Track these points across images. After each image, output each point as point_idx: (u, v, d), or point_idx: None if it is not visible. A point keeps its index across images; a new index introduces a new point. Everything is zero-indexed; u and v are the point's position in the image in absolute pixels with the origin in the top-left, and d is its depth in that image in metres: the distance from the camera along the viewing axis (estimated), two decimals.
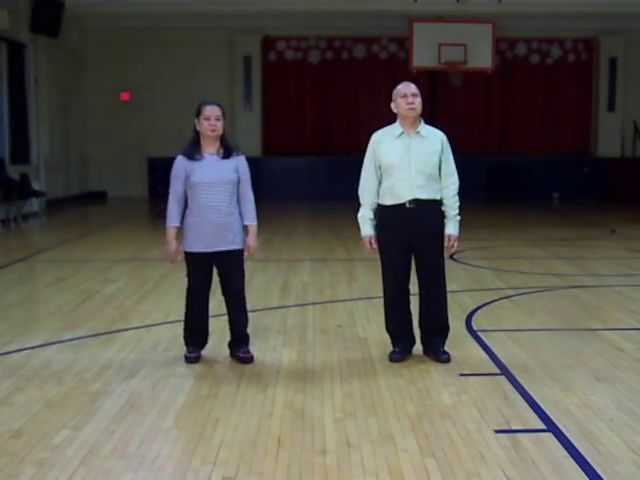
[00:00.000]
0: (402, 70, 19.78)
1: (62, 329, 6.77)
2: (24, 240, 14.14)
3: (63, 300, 8.01)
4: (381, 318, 6.17)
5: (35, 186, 17.24)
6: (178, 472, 3.88)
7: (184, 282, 8.76)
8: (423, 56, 18.96)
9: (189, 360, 5.70)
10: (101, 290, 8.56)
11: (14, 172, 16.42)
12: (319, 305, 7.79)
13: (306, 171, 21.17)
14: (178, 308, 7.54)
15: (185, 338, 5.82)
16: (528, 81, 22.12)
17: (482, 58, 19.11)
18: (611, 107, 21.90)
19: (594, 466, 3.91)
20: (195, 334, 5.78)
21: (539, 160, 21.55)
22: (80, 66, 21.08)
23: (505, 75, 21.56)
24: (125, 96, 21.70)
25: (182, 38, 20.85)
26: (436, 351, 5.76)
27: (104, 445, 4.20)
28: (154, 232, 13.49)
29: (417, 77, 17.09)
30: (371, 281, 8.90)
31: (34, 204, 17.02)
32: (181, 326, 6.83)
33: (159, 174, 21.23)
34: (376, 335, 6.46)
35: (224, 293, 5.77)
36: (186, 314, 5.83)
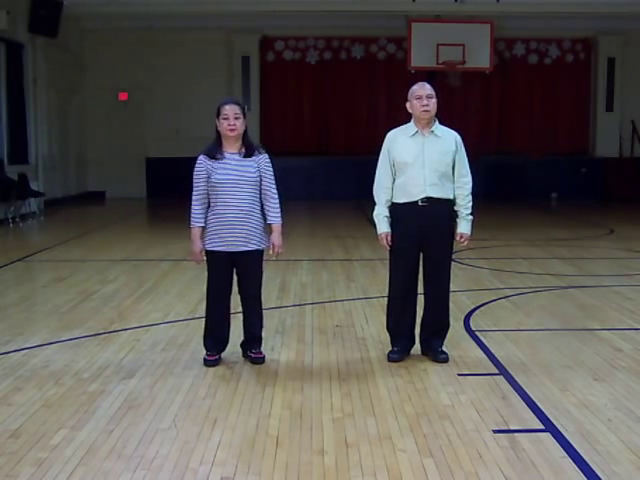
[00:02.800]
0: (400, 70, 19.83)
1: (60, 329, 6.77)
2: (22, 240, 14.13)
3: (61, 300, 8.00)
4: (380, 318, 6.18)
5: (33, 186, 17.23)
6: (176, 472, 3.88)
7: (182, 282, 8.82)
8: (421, 56, 18.95)
9: (207, 363, 5.66)
10: (99, 290, 8.56)
11: (12, 172, 16.39)
12: (317, 305, 7.79)
13: (304, 171, 21.16)
14: (177, 308, 7.57)
15: (204, 340, 5.79)
16: (526, 81, 22.13)
17: (480, 58, 19.11)
18: (609, 107, 21.91)
19: (592, 466, 3.91)
20: (213, 336, 5.74)
21: (537, 160, 21.55)
22: (78, 66, 21.07)
23: (503, 75, 21.59)
24: (123, 96, 21.70)
25: (180, 38, 20.84)
26: (434, 351, 5.77)
27: (102, 445, 4.20)
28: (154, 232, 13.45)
29: (415, 77, 17.09)
30: (369, 281, 8.92)
31: (32, 204, 17.00)
32: (179, 326, 6.86)
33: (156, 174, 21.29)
34: (374, 335, 6.46)
35: (240, 293, 5.76)
36: (205, 315, 5.82)
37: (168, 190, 20.55)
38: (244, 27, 20.83)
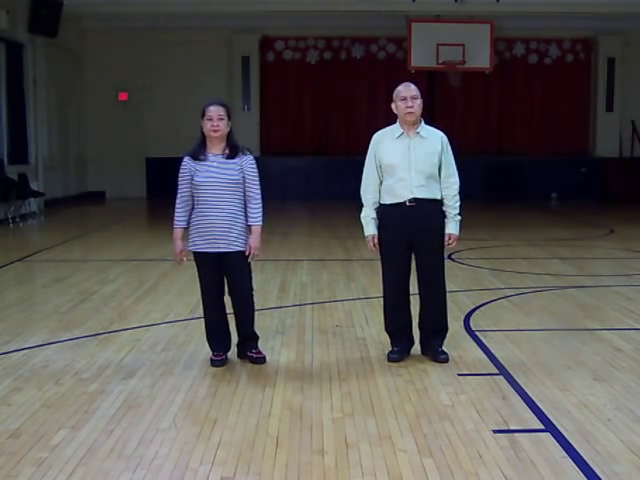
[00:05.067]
0: (400, 70, 19.81)
1: (60, 329, 6.77)
2: (22, 240, 14.13)
3: (61, 300, 8.00)
4: (379, 318, 6.17)
5: (33, 186, 17.23)
6: (176, 472, 3.88)
7: (182, 282, 8.82)
8: (421, 56, 18.96)
9: (214, 363, 5.66)
10: (99, 290, 8.56)
11: (12, 172, 16.40)
12: (317, 305, 7.79)
13: (304, 171, 21.17)
14: (176, 308, 7.58)
15: (207, 341, 5.80)
16: (526, 81, 22.14)
17: (480, 58, 19.11)
18: (609, 107, 21.92)
19: (592, 466, 3.91)
20: (215, 336, 5.76)
21: (537, 160, 21.56)
22: (78, 66, 21.07)
23: (503, 75, 21.62)
24: (123, 96, 21.70)
25: (180, 38, 20.85)
26: (434, 351, 5.77)
27: (102, 445, 4.20)
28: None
29: (415, 77, 17.08)
30: (369, 281, 8.91)
31: (32, 204, 17.01)
32: (179, 326, 6.87)
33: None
34: (374, 335, 6.46)
35: (230, 294, 5.77)
36: (204, 316, 5.83)
37: (168, 190, 20.42)
38: (244, 27, 20.84)
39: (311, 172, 21.19)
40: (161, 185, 21.24)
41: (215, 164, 5.56)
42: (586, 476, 3.81)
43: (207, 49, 21.30)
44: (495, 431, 4.38)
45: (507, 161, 21.51)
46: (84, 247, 12.50)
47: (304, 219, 16.57)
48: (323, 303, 7.87)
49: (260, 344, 5.88)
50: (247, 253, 5.63)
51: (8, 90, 16.75)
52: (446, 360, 5.71)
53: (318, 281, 9.11)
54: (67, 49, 19.87)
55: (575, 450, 4.10)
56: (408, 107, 5.57)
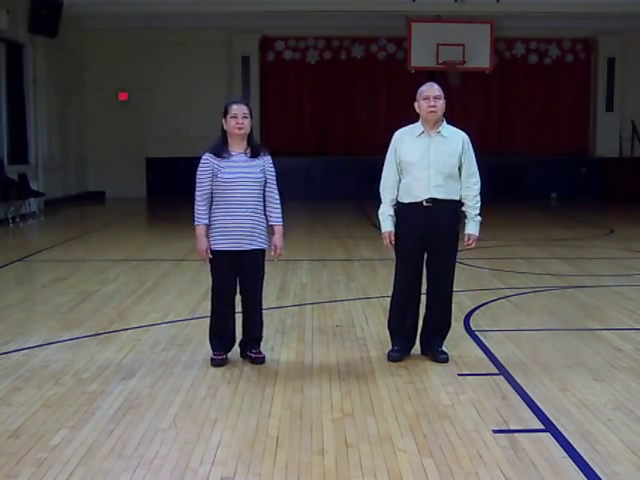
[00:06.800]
0: (400, 70, 19.84)
1: (60, 329, 6.77)
2: (22, 240, 14.12)
3: (61, 300, 8.00)
4: (379, 318, 6.18)
5: (33, 186, 17.23)
6: (176, 472, 3.88)
7: (182, 282, 8.83)
8: (421, 56, 18.96)
9: (214, 363, 5.66)
10: (99, 290, 8.56)
11: (12, 172, 16.40)
12: (317, 305, 7.79)
13: (304, 171, 21.15)
14: (177, 308, 7.57)
15: (210, 339, 5.79)
16: (526, 81, 22.14)
17: (480, 58, 19.12)
18: (609, 107, 21.92)
19: (592, 466, 3.91)
20: (220, 335, 5.74)
21: (537, 160, 21.55)
22: (78, 66, 21.06)
23: (504, 75, 21.61)
24: (123, 96, 21.70)
25: (180, 38, 20.85)
26: (434, 351, 5.77)
27: (102, 445, 4.20)
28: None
29: (415, 77, 17.08)
30: (369, 281, 8.91)
31: (32, 204, 17.00)
32: (179, 326, 6.86)
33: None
34: (374, 335, 6.46)
35: (242, 293, 5.77)
36: (211, 315, 5.82)
37: (168, 190, 20.55)
38: (244, 27, 20.83)
39: (311, 172, 21.17)
40: (161, 185, 21.28)
41: (240, 162, 5.58)
42: (586, 476, 3.81)
43: (207, 49, 21.29)
44: (495, 431, 4.38)
45: (507, 161, 21.49)
46: (84, 247, 12.50)
47: (304, 219, 16.55)
48: (323, 303, 7.87)
49: (260, 344, 5.87)
50: (272, 253, 5.70)
51: (8, 90, 16.74)
52: (446, 360, 5.71)
53: (318, 281, 9.11)
54: (67, 49, 19.86)
55: (575, 450, 4.10)
56: (430, 106, 5.61)
